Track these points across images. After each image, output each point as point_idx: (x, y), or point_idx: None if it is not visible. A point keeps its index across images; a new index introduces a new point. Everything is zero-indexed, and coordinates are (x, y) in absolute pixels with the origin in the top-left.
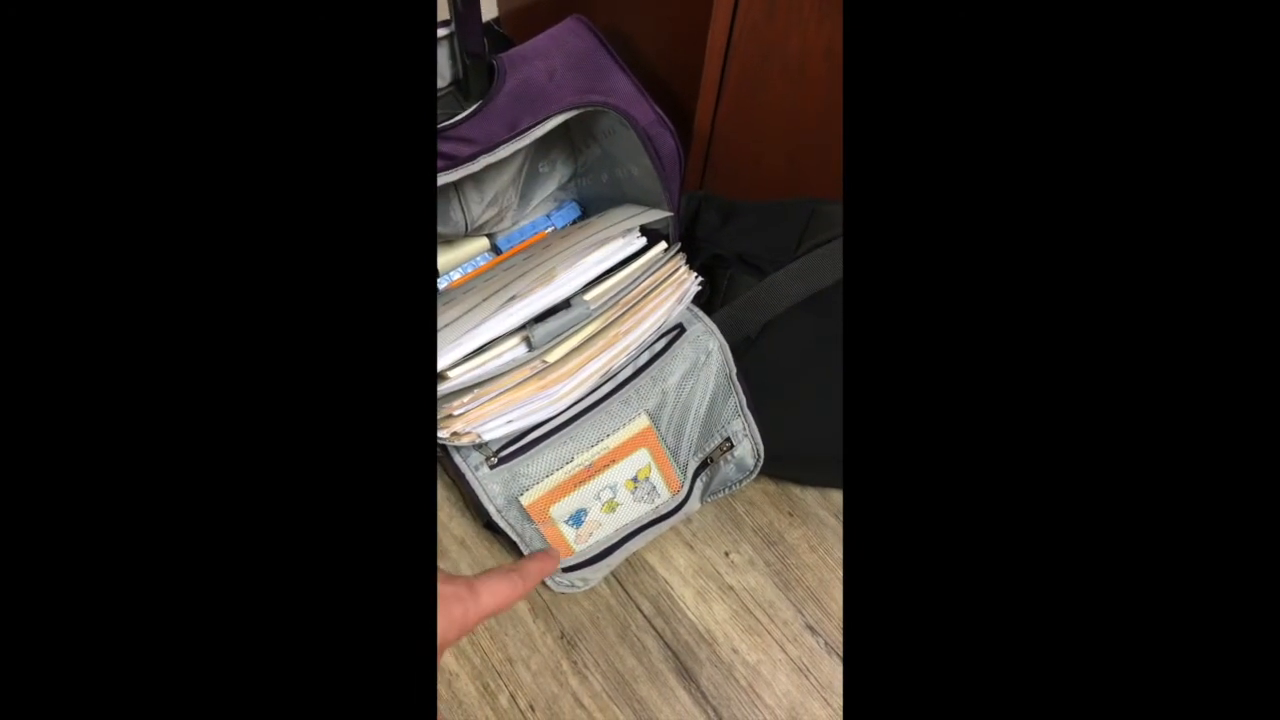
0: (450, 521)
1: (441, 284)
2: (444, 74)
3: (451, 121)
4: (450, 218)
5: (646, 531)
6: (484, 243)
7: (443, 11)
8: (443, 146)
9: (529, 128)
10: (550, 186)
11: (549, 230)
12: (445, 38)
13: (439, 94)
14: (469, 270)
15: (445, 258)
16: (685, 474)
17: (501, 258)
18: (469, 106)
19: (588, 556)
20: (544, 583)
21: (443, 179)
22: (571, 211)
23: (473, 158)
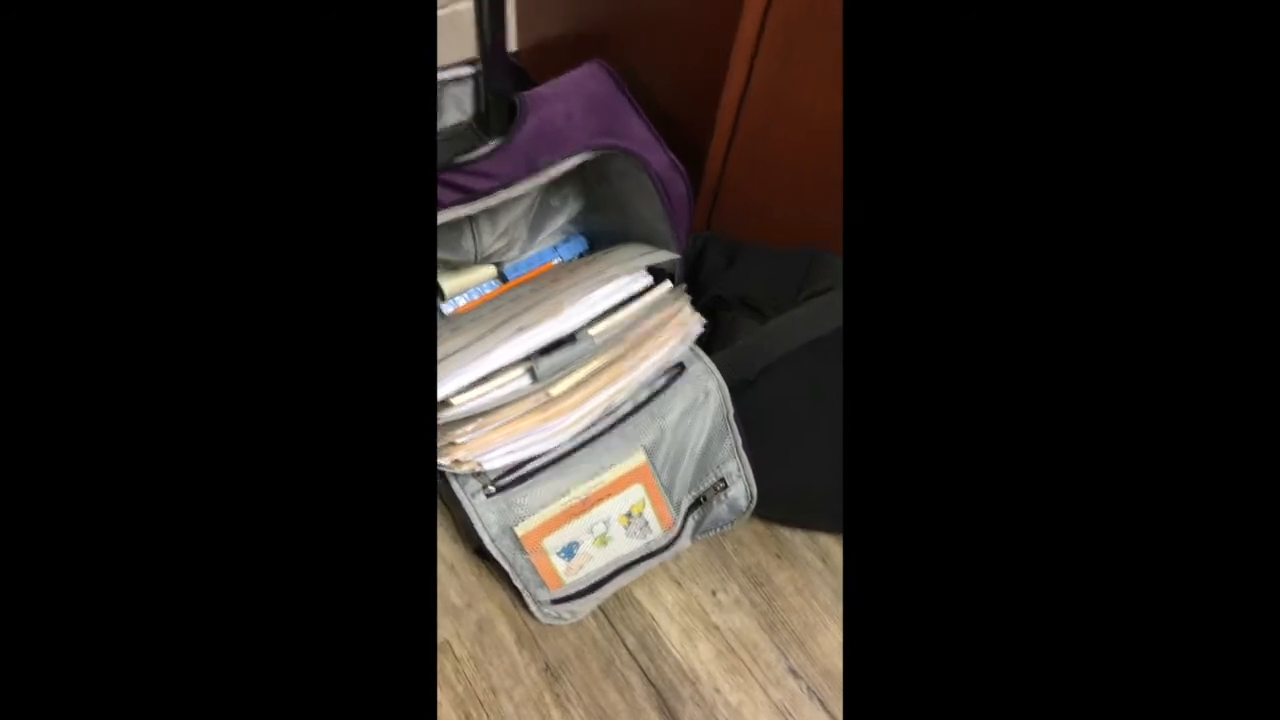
0: (440, 545)
1: (447, 309)
2: (466, 109)
3: (472, 156)
4: (461, 246)
5: (636, 567)
6: (491, 270)
7: (468, 50)
8: (462, 180)
9: (546, 167)
10: (560, 220)
11: (555, 262)
12: (471, 76)
13: (460, 128)
14: (474, 297)
15: (452, 283)
16: (678, 511)
17: (507, 286)
18: (489, 142)
19: (577, 589)
20: (531, 613)
21: (460, 211)
22: (578, 245)
23: (490, 192)
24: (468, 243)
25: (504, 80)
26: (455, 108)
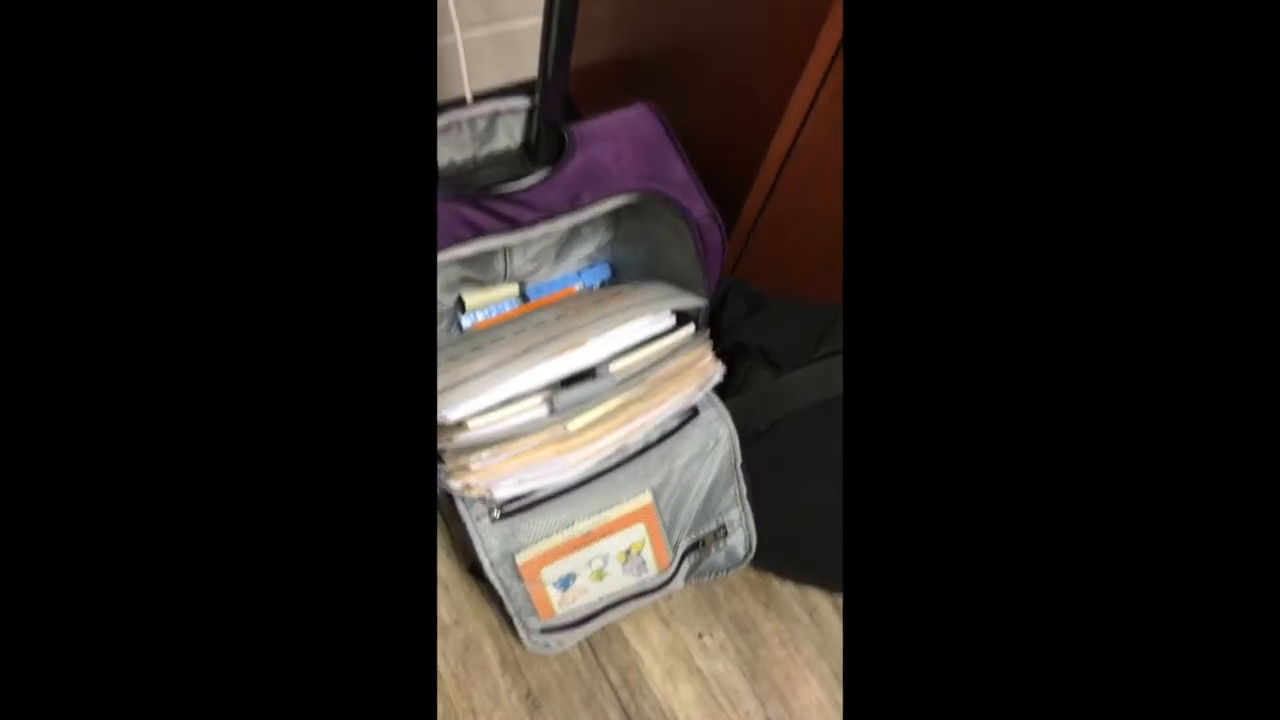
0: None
1: (466, 322)
2: (516, 137)
3: (518, 186)
4: (493, 268)
5: (627, 604)
6: (513, 289)
7: (517, 72)
8: (505, 209)
9: (588, 204)
10: (588, 248)
11: (577, 287)
12: (525, 109)
13: (508, 154)
14: (494, 314)
15: (475, 298)
16: (675, 552)
17: (527, 307)
18: (534, 170)
19: (568, 621)
20: (519, 638)
21: (501, 240)
22: (602, 271)
23: (532, 224)
24: (499, 265)
25: (559, 111)
26: (505, 134)
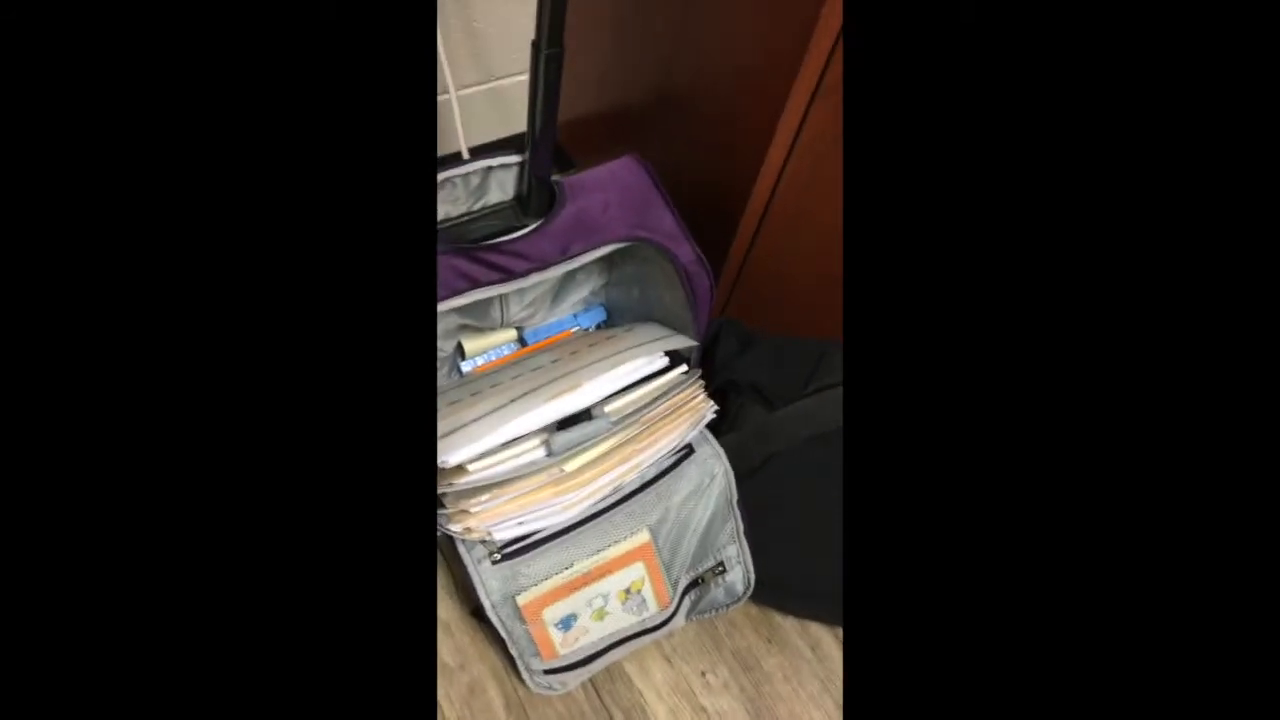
0: (437, 604)
1: (466, 367)
2: (508, 191)
3: (511, 237)
4: (490, 315)
5: (629, 642)
6: (512, 334)
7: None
8: (499, 260)
9: (578, 253)
10: (582, 292)
11: (574, 330)
12: (516, 164)
13: (501, 207)
14: (493, 358)
15: (474, 343)
16: (675, 590)
17: (525, 350)
18: (527, 223)
19: (570, 661)
20: (523, 680)
21: (496, 290)
22: (597, 314)
23: (525, 274)
24: (496, 313)
25: (548, 167)
26: (498, 189)
